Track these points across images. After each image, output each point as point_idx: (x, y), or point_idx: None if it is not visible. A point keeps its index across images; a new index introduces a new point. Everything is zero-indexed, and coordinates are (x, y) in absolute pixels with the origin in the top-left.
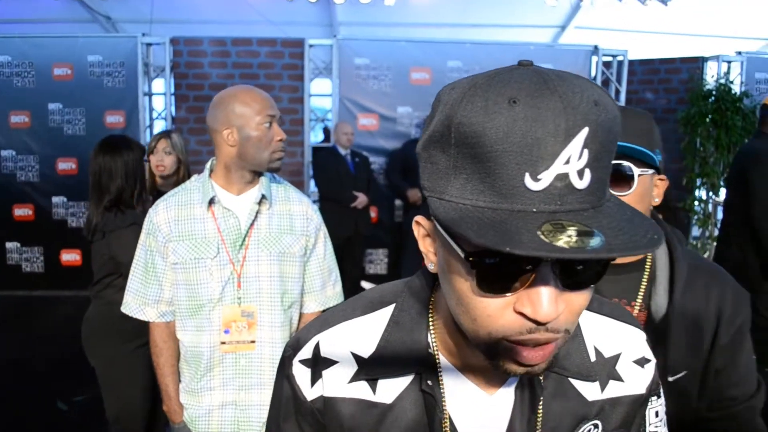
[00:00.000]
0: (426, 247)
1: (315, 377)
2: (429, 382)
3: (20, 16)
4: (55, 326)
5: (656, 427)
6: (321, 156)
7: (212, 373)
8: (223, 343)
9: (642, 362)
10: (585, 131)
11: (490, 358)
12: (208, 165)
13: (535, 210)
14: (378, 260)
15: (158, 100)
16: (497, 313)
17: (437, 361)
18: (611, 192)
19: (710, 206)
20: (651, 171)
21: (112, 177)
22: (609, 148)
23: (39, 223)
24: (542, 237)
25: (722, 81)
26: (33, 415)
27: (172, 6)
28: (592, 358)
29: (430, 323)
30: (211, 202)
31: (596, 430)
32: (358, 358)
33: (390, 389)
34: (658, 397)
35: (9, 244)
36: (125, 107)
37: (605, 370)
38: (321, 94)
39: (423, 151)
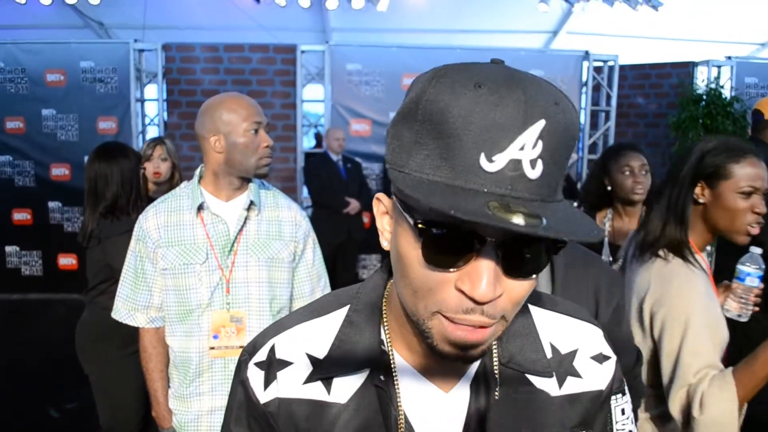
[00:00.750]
0: (383, 225)
1: (269, 379)
2: (382, 377)
3: (13, 22)
4: (53, 328)
5: (623, 425)
6: (313, 162)
7: (201, 379)
8: (212, 348)
9: (600, 359)
10: (542, 123)
11: (425, 339)
12: (197, 171)
13: (486, 190)
14: (371, 265)
15: (150, 106)
16: (438, 287)
17: (391, 357)
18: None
19: None
20: None
21: (108, 183)
22: (564, 148)
23: (37, 227)
24: (487, 210)
25: (713, 85)
26: (27, 418)
27: (164, 12)
28: (549, 354)
29: (384, 319)
30: (200, 208)
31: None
32: (312, 359)
33: (344, 389)
34: (623, 394)
35: (8, 248)
36: (117, 113)
37: (562, 366)
38: (313, 99)
39: (391, 128)
